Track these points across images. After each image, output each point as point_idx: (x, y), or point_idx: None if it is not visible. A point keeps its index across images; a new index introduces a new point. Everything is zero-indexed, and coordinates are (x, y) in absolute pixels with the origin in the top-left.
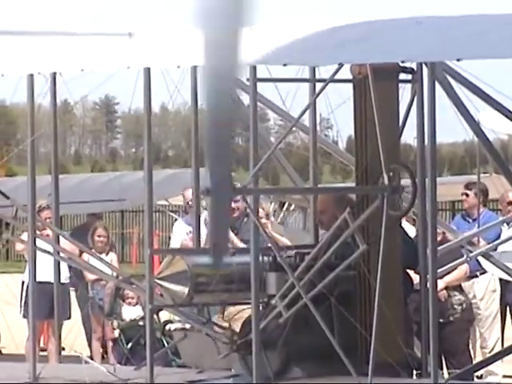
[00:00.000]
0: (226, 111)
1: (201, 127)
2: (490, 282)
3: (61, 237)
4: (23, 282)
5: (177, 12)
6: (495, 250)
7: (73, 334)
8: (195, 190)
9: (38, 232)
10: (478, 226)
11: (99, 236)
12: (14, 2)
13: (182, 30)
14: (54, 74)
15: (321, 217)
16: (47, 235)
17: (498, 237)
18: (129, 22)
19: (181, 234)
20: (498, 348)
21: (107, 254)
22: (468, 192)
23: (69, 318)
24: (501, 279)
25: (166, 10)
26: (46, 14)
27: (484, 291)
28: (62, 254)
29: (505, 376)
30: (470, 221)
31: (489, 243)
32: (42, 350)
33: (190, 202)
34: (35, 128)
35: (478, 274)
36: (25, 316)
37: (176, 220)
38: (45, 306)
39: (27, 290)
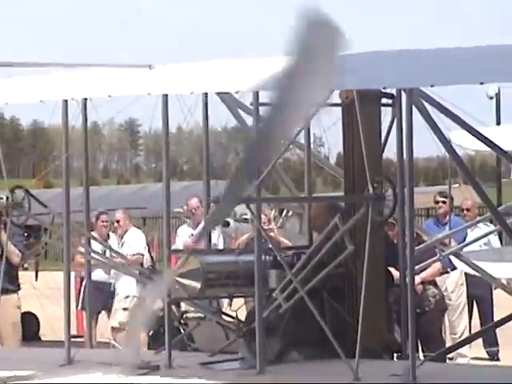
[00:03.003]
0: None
1: (211, 145)
2: (459, 277)
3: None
4: (82, 279)
5: (189, 48)
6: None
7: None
8: (206, 199)
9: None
10: (450, 229)
11: None
12: (53, 39)
13: (194, 63)
14: (85, 99)
15: (315, 222)
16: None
17: (465, 238)
18: (149, 57)
19: (184, 236)
20: (466, 334)
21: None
22: (445, 200)
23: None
24: (466, 275)
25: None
26: (81, 48)
27: (454, 285)
28: (93, 254)
29: (473, 358)
30: (440, 225)
31: (458, 244)
32: (79, 336)
33: (193, 210)
34: (69, 146)
35: (449, 270)
36: (83, 308)
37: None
38: (99, 300)
39: (85, 287)
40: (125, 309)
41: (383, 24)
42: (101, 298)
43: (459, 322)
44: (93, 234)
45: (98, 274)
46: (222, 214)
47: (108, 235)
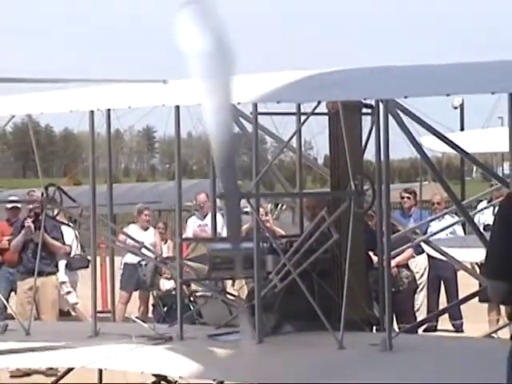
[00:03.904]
0: (228, 141)
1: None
2: (423, 261)
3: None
4: (124, 264)
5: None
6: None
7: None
8: (212, 194)
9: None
10: (421, 220)
11: (159, 227)
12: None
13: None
14: (109, 110)
15: (314, 210)
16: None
17: (427, 228)
18: (164, 73)
19: (193, 226)
20: (423, 307)
21: (165, 242)
22: (409, 195)
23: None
24: (430, 259)
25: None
26: (105, 66)
27: (419, 267)
28: (117, 243)
29: (440, 330)
30: (405, 217)
31: (424, 233)
32: (104, 311)
33: (201, 204)
34: (95, 149)
35: (414, 255)
36: (121, 288)
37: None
38: (132, 280)
39: (124, 269)
40: (69, 292)
41: (366, 44)
42: (135, 278)
43: (418, 297)
44: (135, 225)
45: (132, 258)
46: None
47: (147, 227)
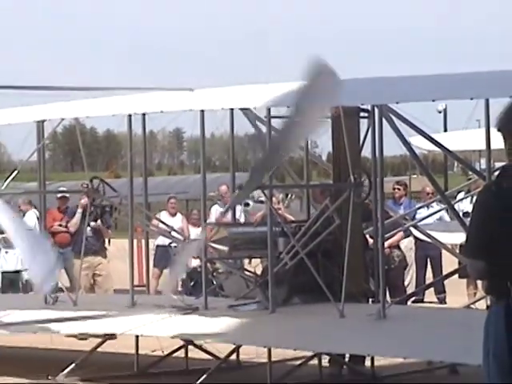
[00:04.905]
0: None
1: (236, 146)
2: (409, 243)
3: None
4: (157, 246)
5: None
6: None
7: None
8: (232, 186)
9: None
10: (410, 208)
11: (194, 215)
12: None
13: (223, 87)
14: (144, 114)
15: (314, 202)
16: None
17: (414, 215)
18: (191, 81)
19: (215, 213)
20: (412, 285)
21: (198, 226)
22: (400, 187)
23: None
24: (416, 241)
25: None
26: (139, 76)
27: (405, 249)
28: (151, 227)
29: (426, 302)
30: (396, 205)
31: (412, 219)
32: (140, 286)
33: (222, 194)
34: (132, 147)
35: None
36: (154, 266)
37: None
38: (164, 259)
39: (156, 250)
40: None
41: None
42: (166, 258)
43: (407, 276)
44: (164, 212)
45: (163, 240)
46: (244, 196)
47: (175, 214)
